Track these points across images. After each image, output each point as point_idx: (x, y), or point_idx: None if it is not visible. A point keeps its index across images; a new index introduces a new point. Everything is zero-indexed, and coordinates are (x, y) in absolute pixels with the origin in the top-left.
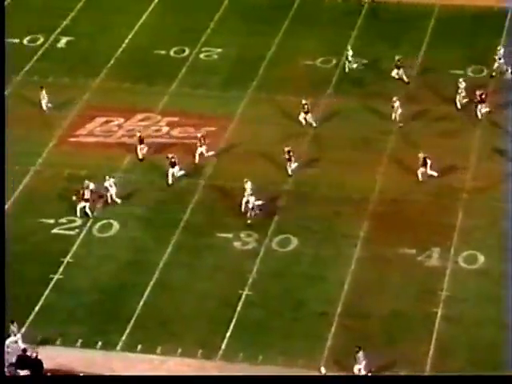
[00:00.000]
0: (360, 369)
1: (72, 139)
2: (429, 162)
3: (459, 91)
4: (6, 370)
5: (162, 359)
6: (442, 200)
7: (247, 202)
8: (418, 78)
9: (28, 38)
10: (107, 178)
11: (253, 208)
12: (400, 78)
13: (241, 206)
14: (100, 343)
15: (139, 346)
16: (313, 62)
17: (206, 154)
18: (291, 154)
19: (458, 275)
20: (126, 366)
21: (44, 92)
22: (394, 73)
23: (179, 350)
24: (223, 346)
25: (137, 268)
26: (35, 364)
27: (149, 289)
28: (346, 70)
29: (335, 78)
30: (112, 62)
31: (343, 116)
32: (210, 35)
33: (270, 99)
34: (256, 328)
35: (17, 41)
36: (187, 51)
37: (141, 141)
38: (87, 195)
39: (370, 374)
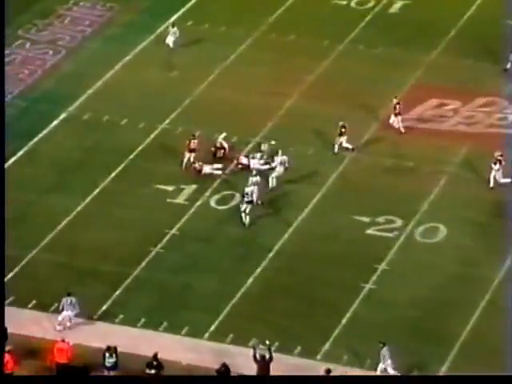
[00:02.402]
0: (386, 368)
1: None
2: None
3: None
4: None
5: None
6: None
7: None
8: None
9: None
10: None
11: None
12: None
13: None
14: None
15: None
16: None
17: (500, 181)
18: (344, 129)
19: None
20: None
21: (175, 28)
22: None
23: None
24: None
25: (466, 283)
26: None
27: (479, 310)
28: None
29: None
30: (452, 33)
31: None
32: None
33: None
34: None
35: (344, 3)
36: None
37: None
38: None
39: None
